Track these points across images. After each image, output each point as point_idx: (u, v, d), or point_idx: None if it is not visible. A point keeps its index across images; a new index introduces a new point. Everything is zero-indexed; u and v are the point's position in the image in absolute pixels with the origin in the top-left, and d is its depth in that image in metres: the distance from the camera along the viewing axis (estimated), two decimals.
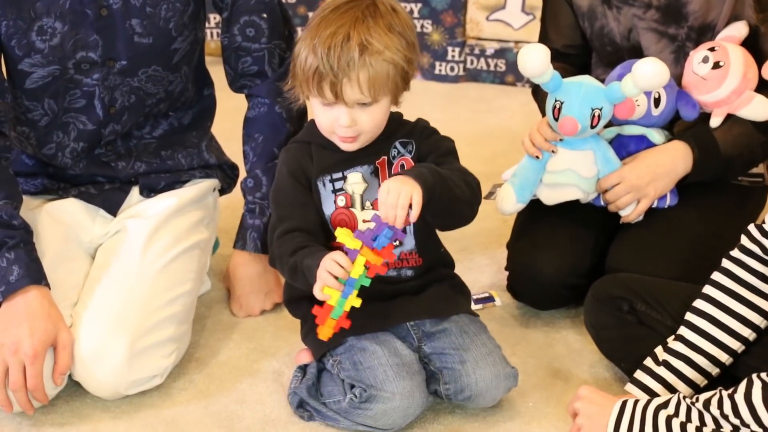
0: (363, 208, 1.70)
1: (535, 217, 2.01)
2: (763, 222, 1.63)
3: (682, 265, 1.87)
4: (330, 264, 1.55)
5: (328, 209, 1.70)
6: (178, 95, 1.96)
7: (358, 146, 1.68)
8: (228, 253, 2.09)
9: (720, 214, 1.98)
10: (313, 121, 1.71)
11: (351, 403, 1.67)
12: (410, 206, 1.55)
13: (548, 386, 1.84)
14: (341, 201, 1.69)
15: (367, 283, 1.55)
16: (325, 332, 1.60)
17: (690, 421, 1.49)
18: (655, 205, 1.96)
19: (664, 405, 1.53)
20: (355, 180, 1.70)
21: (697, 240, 1.93)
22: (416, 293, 1.75)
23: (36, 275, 1.75)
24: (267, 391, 1.83)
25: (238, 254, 2.04)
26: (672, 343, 1.66)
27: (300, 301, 1.78)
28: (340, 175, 1.70)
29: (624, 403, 1.55)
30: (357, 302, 1.56)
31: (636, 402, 1.55)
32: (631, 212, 1.96)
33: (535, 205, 1.98)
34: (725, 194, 2.02)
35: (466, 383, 1.70)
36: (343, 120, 1.62)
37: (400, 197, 1.54)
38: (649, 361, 1.67)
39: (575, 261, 1.96)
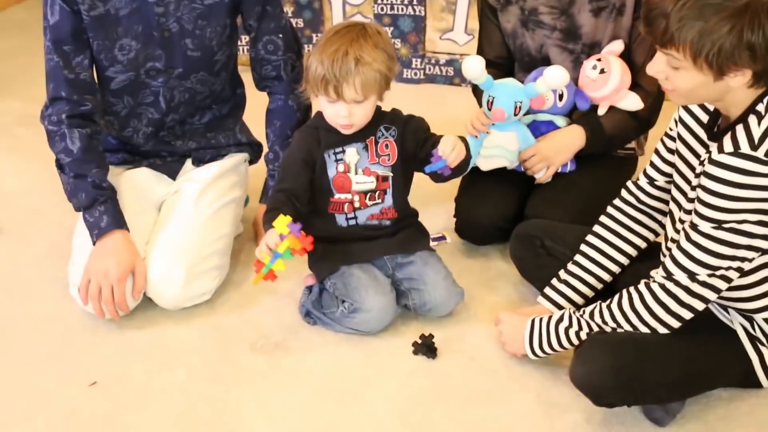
0: (356, 173, 1.69)
1: (474, 179, 1.98)
2: (637, 179, 1.63)
3: (577, 213, 1.85)
4: (267, 238, 1.55)
5: (331, 173, 1.68)
6: (218, 93, 1.94)
7: (354, 130, 1.66)
8: (255, 206, 2.06)
9: (605, 176, 1.97)
10: (320, 112, 1.69)
11: (342, 313, 1.67)
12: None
13: (483, 299, 1.84)
14: (341, 167, 1.68)
15: (289, 257, 1.53)
16: (256, 280, 1.56)
17: (580, 329, 1.50)
18: (559, 171, 1.96)
19: (560, 319, 1.53)
20: (351, 153, 1.68)
21: (589, 195, 1.92)
22: (391, 235, 1.75)
23: (119, 222, 1.75)
24: (284, 304, 1.83)
25: (262, 207, 1.98)
26: (570, 266, 1.67)
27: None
28: (341, 149, 1.68)
29: (533, 321, 1.56)
30: (282, 267, 1.53)
31: (541, 319, 1.55)
32: (542, 176, 1.95)
33: (474, 170, 1.96)
34: (608, 163, 2.01)
35: (427, 299, 1.72)
36: (342, 113, 1.60)
37: (457, 149, 1.58)
38: (554, 281, 1.66)
39: (504, 210, 1.95)
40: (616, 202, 1.65)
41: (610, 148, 1.99)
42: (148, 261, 1.76)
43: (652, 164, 1.59)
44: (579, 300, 1.65)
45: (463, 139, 1.66)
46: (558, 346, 1.52)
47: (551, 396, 1.55)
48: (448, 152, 1.60)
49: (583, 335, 1.49)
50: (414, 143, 1.71)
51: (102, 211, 1.72)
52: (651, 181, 1.59)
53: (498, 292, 1.88)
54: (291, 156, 1.69)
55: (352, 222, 1.72)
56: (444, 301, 1.72)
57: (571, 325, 1.51)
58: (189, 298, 1.78)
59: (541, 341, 1.53)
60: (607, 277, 1.65)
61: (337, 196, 1.71)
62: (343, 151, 1.68)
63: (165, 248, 1.78)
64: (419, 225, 1.82)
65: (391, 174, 1.71)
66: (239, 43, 2.17)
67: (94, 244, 1.72)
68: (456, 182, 2.08)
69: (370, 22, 1.68)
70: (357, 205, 1.71)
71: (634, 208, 1.63)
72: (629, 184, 1.65)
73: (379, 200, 1.71)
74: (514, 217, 1.96)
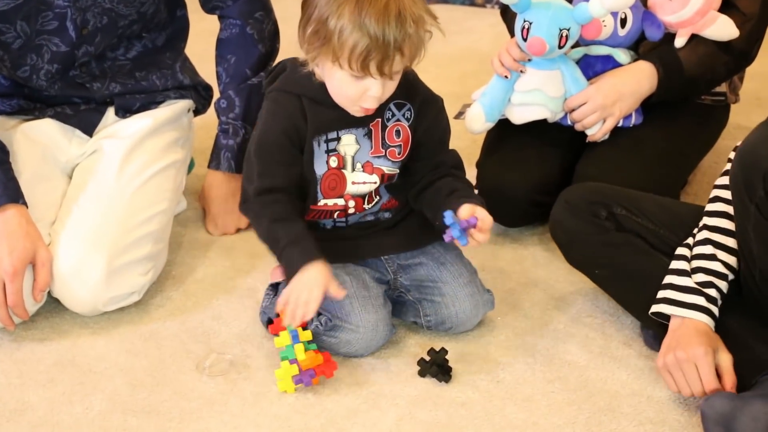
0: (354, 169, 1.66)
1: (503, 136, 2.00)
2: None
3: (646, 181, 1.86)
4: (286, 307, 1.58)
5: (320, 169, 1.65)
6: (150, 16, 1.92)
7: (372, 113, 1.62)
8: (203, 173, 2.08)
9: (683, 132, 1.98)
10: (296, 68, 1.61)
11: (316, 329, 1.66)
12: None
13: (516, 301, 1.85)
14: (333, 162, 1.65)
15: (314, 347, 1.64)
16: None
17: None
18: (620, 124, 1.96)
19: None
20: (348, 141, 1.65)
21: (661, 157, 1.93)
22: (389, 228, 1.74)
23: (13, 194, 1.73)
24: (242, 307, 1.83)
25: (212, 174, 2.03)
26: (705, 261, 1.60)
27: None
28: (334, 135, 1.64)
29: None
30: (303, 356, 1.60)
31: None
32: (597, 131, 1.95)
33: (503, 124, 1.97)
34: (688, 113, 2.01)
35: (447, 315, 1.71)
36: (375, 91, 1.55)
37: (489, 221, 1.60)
38: (700, 279, 1.58)
39: (543, 179, 1.96)
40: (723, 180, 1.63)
41: (691, 93, 2.00)
42: (54, 248, 1.76)
43: None
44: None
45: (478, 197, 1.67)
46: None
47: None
48: (485, 223, 1.60)
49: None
50: (423, 127, 1.68)
51: None
52: None
53: (536, 291, 1.88)
54: (267, 134, 1.63)
55: (341, 224, 1.72)
56: (469, 316, 1.72)
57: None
58: (111, 300, 1.78)
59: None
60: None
61: (323, 201, 1.68)
62: (338, 139, 1.64)
63: (78, 231, 1.77)
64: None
65: (398, 171, 1.69)
66: None
67: None
68: (478, 140, 2.08)
69: None
70: (351, 211, 1.71)
71: None
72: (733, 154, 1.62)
73: (378, 197, 1.71)
74: (557, 188, 1.92)
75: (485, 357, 1.71)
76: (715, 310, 1.57)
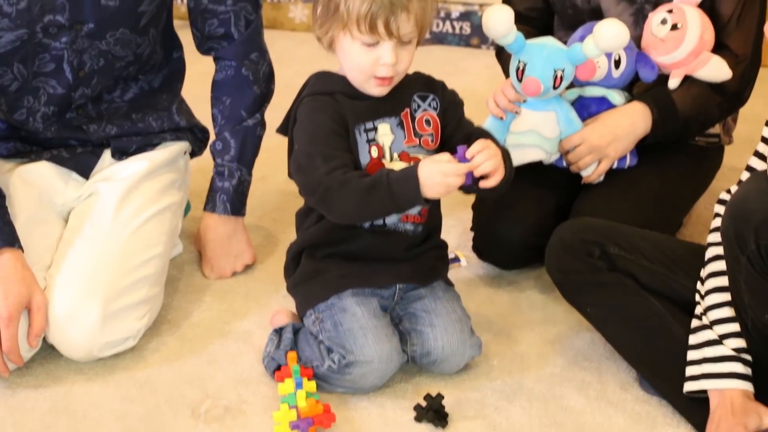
0: (392, 159, 1.66)
1: None
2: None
3: (641, 222, 1.83)
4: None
5: (363, 159, 1.65)
6: (147, 58, 1.92)
7: (388, 89, 1.64)
8: (199, 215, 2.07)
9: (678, 173, 1.98)
10: (323, 74, 1.66)
11: (330, 369, 1.65)
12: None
13: (513, 345, 1.84)
14: (374, 152, 1.65)
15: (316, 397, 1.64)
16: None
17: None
18: (615, 166, 1.95)
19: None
20: (384, 131, 1.66)
21: (656, 198, 1.93)
22: (408, 259, 1.72)
23: (9, 238, 1.71)
24: (238, 351, 1.82)
25: (208, 216, 2.02)
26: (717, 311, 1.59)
27: (295, 254, 1.75)
28: (371, 125, 1.65)
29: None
30: (305, 403, 1.60)
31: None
32: (592, 172, 1.94)
33: None
34: (683, 154, 2.01)
35: (433, 347, 1.69)
36: (387, 57, 1.57)
37: (494, 163, 1.55)
38: (716, 350, 1.56)
39: (538, 221, 1.94)
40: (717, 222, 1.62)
41: (685, 134, 1.99)
42: (49, 292, 1.74)
43: (750, 169, 1.58)
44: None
45: (506, 157, 1.63)
46: None
47: None
48: (481, 158, 1.56)
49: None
50: (454, 122, 1.70)
51: None
52: None
53: (532, 334, 1.86)
54: (318, 127, 1.62)
55: (378, 222, 1.68)
56: (454, 351, 1.70)
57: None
58: (106, 345, 1.76)
59: None
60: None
61: None
62: (375, 128, 1.65)
63: (73, 275, 1.75)
64: (443, 249, 1.80)
65: None
66: None
67: None
68: None
69: None
70: None
71: None
72: (724, 195, 1.63)
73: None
74: (553, 230, 1.90)
75: (481, 401, 1.70)
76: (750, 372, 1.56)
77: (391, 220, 1.68)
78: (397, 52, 1.58)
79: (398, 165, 1.63)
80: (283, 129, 1.71)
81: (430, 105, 1.69)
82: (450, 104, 1.70)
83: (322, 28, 1.60)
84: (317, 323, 1.69)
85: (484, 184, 1.58)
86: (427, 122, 1.69)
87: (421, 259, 1.74)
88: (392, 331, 1.68)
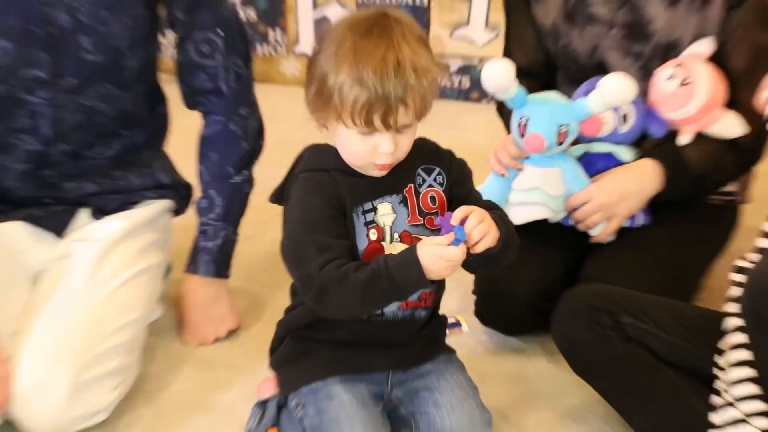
0: (392, 240, 1.56)
1: None
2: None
3: (656, 286, 1.79)
4: None
5: (361, 244, 1.55)
6: (130, 114, 1.90)
7: (388, 170, 1.56)
8: (181, 277, 2.02)
9: (693, 233, 1.96)
10: (317, 149, 1.57)
11: None
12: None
13: (519, 418, 1.78)
14: (373, 235, 1.55)
15: None
16: None
17: None
18: (626, 225, 1.94)
19: None
20: (385, 211, 1.56)
21: (671, 260, 1.90)
22: (407, 344, 1.63)
23: None
24: (221, 426, 1.75)
25: (189, 279, 1.98)
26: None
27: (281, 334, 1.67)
28: (370, 206, 1.56)
29: None
30: None
31: None
32: (601, 232, 1.92)
33: None
34: (698, 213, 2.00)
35: (441, 428, 1.59)
36: (386, 147, 1.49)
37: (490, 233, 1.46)
38: (742, 430, 1.48)
39: (545, 283, 1.91)
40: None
41: (699, 192, 1.98)
42: (15, 362, 1.67)
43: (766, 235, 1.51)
44: None
45: (498, 219, 1.54)
46: None
47: None
48: (475, 235, 1.47)
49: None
50: (460, 198, 1.61)
51: None
52: None
53: (540, 407, 1.81)
54: (312, 210, 1.53)
55: (376, 316, 1.60)
56: (465, 430, 1.60)
57: None
58: (76, 419, 1.68)
59: None
60: None
61: None
62: (374, 209, 1.55)
63: (41, 343, 1.68)
64: (440, 317, 1.71)
65: None
66: (163, 41, 2.13)
67: None
68: None
69: (387, 6, 1.60)
70: None
71: None
72: (740, 262, 1.56)
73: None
74: (561, 292, 1.85)
75: None
76: None
77: (390, 309, 1.59)
78: (397, 140, 1.50)
79: (399, 247, 1.55)
80: (277, 199, 1.63)
81: (436, 180, 1.60)
82: (458, 179, 1.62)
83: (315, 113, 1.53)
84: (300, 408, 1.59)
85: (474, 250, 1.47)
86: (433, 199, 1.59)
87: (422, 339, 1.64)
88: (382, 423, 1.58)
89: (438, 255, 1.42)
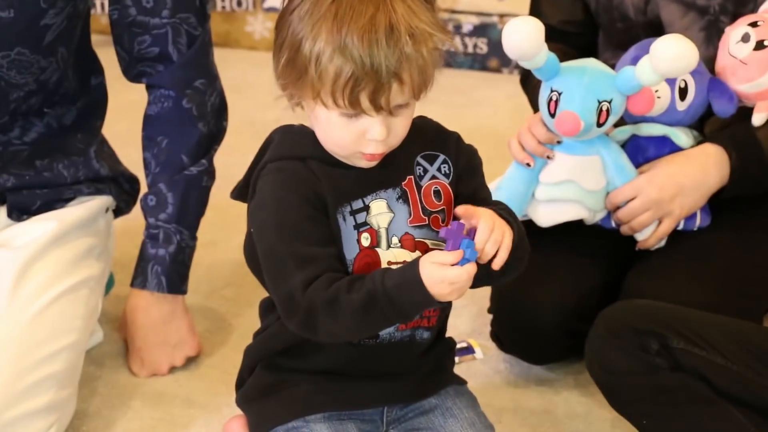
0: (389, 245, 1.58)
1: None
2: None
3: (717, 302, 1.83)
4: None
5: (350, 252, 1.57)
6: (54, 86, 1.93)
7: (379, 161, 1.58)
8: (125, 293, 2.05)
9: (762, 239, 1.98)
10: (290, 131, 1.59)
11: None
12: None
13: None
14: (365, 240, 1.56)
15: None
16: None
17: None
18: (681, 227, 1.96)
19: None
20: (380, 210, 1.57)
21: (736, 270, 1.92)
22: (406, 372, 1.66)
23: None
24: None
25: (137, 294, 2.00)
26: None
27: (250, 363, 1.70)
28: (360, 204, 1.57)
29: None
30: None
31: None
32: (650, 235, 1.95)
33: (526, 227, 1.89)
34: None
35: None
36: (376, 132, 1.49)
37: (505, 238, 1.49)
38: None
39: (579, 301, 1.94)
40: None
41: None
42: None
43: None
44: None
45: (507, 217, 1.57)
46: None
47: None
48: (490, 248, 1.49)
49: None
50: (467, 193, 1.63)
51: None
52: None
53: None
54: (287, 212, 1.55)
55: (368, 340, 1.63)
56: None
57: None
58: None
59: None
60: None
61: None
62: (366, 208, 1.57)
63: None
64: (448, 342, 1.74)
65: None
66: None
67: None
68: None
69: None
70: None
71: None
72: None
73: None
74: (597, 311, 1.87)
75: None
76: None
77: (386, 329, 1.61)
78: (389, 124, 1.51)
79: (398, 254, 1.58)
80: (239, 195, 1.65)
81: (440, 170, 1.62)
82: (466, 169, 1.64)
83: (287, 89, 1.54)
84: None
85: (494, 266, 1.51)
86: (437, 194, 1.61)
87: (425, 367, 1.67)
88: None
89: (439, 279, 1.44)
